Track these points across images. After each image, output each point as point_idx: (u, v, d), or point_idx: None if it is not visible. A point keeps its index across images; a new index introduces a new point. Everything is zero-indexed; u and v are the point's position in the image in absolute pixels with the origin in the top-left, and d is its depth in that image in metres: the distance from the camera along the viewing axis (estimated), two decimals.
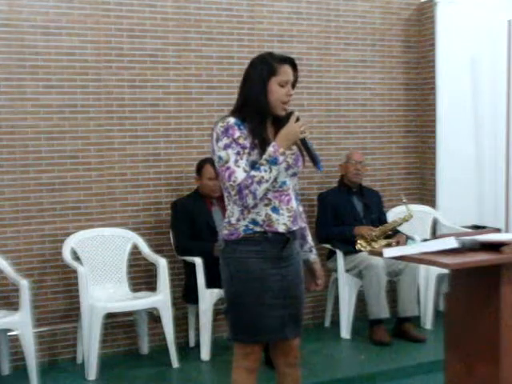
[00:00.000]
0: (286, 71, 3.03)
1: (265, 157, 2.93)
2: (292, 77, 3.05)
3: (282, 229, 3.03)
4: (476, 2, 5.79)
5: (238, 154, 2.93)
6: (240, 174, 2.91)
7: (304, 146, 3.05)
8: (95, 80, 4.91)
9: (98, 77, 4.92)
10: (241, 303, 3.04)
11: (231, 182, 2.92)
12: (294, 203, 3.09)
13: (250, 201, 2.93)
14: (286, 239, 3.05)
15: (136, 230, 5.01)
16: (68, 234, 4.81)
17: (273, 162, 2.92)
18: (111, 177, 4.98)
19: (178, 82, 5.17)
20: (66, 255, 4.70)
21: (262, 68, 3.02)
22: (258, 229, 3.00)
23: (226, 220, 3.06)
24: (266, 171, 2.91)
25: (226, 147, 2.95)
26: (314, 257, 3.30)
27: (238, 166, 2.92)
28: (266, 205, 3.00)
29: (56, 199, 4.83)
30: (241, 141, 2.95)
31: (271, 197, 3.00)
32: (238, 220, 3.02)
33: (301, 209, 3.26)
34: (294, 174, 3.11)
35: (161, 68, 5.12)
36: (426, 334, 5.26)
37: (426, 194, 6.04)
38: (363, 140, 5.86)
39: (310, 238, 3.30)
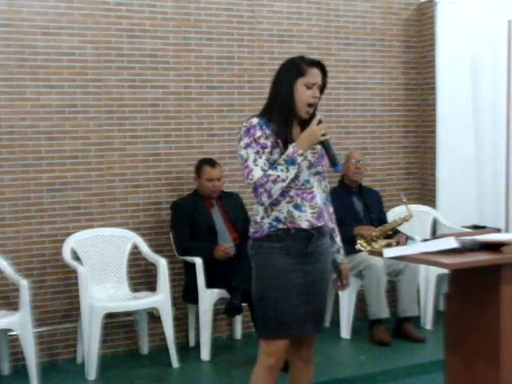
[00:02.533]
0: (313, 73, 3.08)
1: (283, 157, 2.99)
2: (320, 80, 3.10)
3: (305, 225, 3.08)
4: (476, 1, 5.79)
5: (257, 153, 3.00)
6: (257, 173, 2.99)
7: (325, 148, 3.09)
8: (95, 80, 4.91)
9: (98, 77, 4.92)
10: (265, 299, 3.09)
11: (248, 180, 3.02)
12: (318, 200, 3.13)
13: (265, 199, 3.01)
14: (310, 235, 3.09)
15: (136, 229, 5.01)
16: (68, 234, 4.81)
17: (291, 162, 2.98)
18: (111, 177, 4.98)
19: (178, 82, 5.17)
20: (66, 255, 4.70)
21: (291, 69, 3.09)
22: (281, 226, 3.07)
23: (252, 219, 3.15)
24: (282, 171, 2.98)
25: (247, 146, 3.02)
26: (341, 257, 3.36)
27: (256, 165, 2.99)
28: (288, 202, 3.06)
29: (56, 199, 4.83)
30: (261, 140, 3.02)
31: (293, 194, 3.06)
32: (262, 218, 3.09)
33: (331, 210, 3.31)
34: (318, 173, 3.15)
35: (161, 68, 5.12)
36: (426, 334, 5.26)
37: (426, 193, 6.04)
38: (363, 140, 5.86)
39: (338, 239, 3.34)
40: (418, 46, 6.02)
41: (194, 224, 4.92)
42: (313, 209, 3.10)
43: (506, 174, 5.72)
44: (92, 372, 4.51)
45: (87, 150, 4.91)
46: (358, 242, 5.05)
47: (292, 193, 3.06)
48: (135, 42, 5.03)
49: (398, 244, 4.91)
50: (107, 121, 4.96)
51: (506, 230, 5.59)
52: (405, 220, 5.02)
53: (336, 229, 3.34)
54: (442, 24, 5.73)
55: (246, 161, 3.01)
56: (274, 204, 3.05)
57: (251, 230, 3.15)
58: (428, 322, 5.45)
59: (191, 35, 5.20)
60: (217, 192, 4.99)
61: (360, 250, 5.00)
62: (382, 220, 5.41)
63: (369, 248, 4.95)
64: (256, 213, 3.12)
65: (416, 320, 5.35)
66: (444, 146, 5.80)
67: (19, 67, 4.71)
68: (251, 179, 3.00)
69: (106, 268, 4.91)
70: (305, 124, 3.11)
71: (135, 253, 4.98)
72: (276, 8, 5.48)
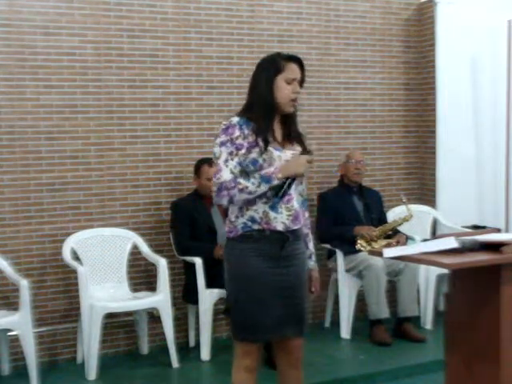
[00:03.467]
0: (292, 69, 3.06)
1: (261, 172, 2.96)
2: (299, 75, 3.08)
3: (280, 227, 3.04)
4: (476, 1, 5.79)
5: (230, 153, 2.99)
6: (225, 174, 2.97)
7: (290, 182, 3.01)
8: (95, 80, 4.91)
9: (98, 77, 4.92)
10: (239, 301, 3.06)
11: (215, 179, 2.99)
12: (294, 203, 3.09)
13: (225, 202, 3.00)
14: (284, 238, 3.05)
15: (136, 229, 5.01)
16: (68, 234, 4.81)
17: (265, 179, 2.95)
18: (111, 177, 4.98)
19: (178, 81, 5.17)
20: (66, 255, 4.70)
21: (269, 67, 3.07)
22: (255, 226, 3.02)
23: (228, 218, 3.10)
24: (253, 184, 2.95)
25: (222, 144, 3.01)
26: (312, 263, 3.29)
27: (227, 166, 2.98)
28: (265, 202, 3.02)
29: (56, 199, 4.83)
30: (238, 140, 2.99)
31: (270, 195, 3.01)
32: (237, 217, 3.05)
33: (306, 214, 3.27)
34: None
35: (161, 68, 5.12)
36: (426, 334, 5.26)
37: (426, 193, 6.04)
38: (363, 140, 5.86)
39: (311, 245, 3.30)
40: (418, 46, 6.02)
41: (194, 224, 4.92)
42: (289, 211, 3.06)
43: (506, 174, 5.72)
44: (92, 372, 4.51)
45: (87, 149, 4.91)
46: (358, 242, 5.06)
47: (269, 193, 3.00)
48: (135, 42, 5.03)
49: (397, 244, 4.93)
50: (107, 121, 4.96)
51: (506, 230, 5.60)
52: (405, 220, 5.02)
53: (310, 234, 3.29)
54: (442, 24, 5.73)
55: (218, 159, 3.00)
56: (250, 203, 3.01)
57: (226, 229, 3.12)
58: (428, 322, 5.45)
59: (191, 35, 5.20)
60: None
61: (360, 250, 5.02)
62: (382, 220, 5.41)
63: (369, 248, 4.96)
64: (231, 211, 3.07)
65: (416, 320, 5.35)
66: (444, 146, 5.80)
67: (19, 67, 4.71)
68: (218, 178, 2.98)
69: (106, 268, 4.91)
70: (288, 121, 3.09)
71: (135, 253, 4.98)
72: (276, 8, 5.48)
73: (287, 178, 2.99)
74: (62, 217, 4.85)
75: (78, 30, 4.86)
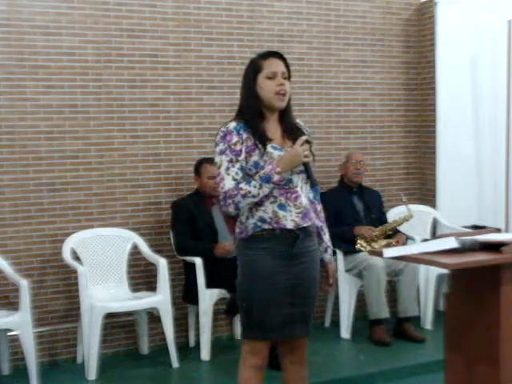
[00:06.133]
0: (270, 63, 3.07)
1: (260, 173, 2.98)
2: (281, 67, 3.08)
3: (290, 225, 3.05)
4: (476, 1, 5.79)
5: (230, 161, 3.00)
6: (228, 182, 2.99)
7: (306, 169, 3.05)
8: (95, 80, 4.91)
9: (98, 77, 4.92)
10: (249, 300, 3.07)
11: (219, 188, 3.03)
12: (303, 200, 3.10)
13: (232, 210, 3.02)
14: (295, 236, 3.07)
15: (136, 230, 5.01)
16: (68, 234, 4.81)
17: (265, 179, 2.96)
18: (111, 177, 4.98)
19: (178, 81, 5.17)
20: (66, 255, 4.70)
21: (249, 69, 3.12)
22: (266, 226, 3.04)
23: (238, 219, 3.12)
24: (255, 187, 2.96)
25: (221, 153, 3.03)
26: (328, 257, 3.31)
27: (228, 174, 3.00)
28: (272, 202, 3.04)
29: (56, 199, 4.83)
30: (237, 147, 3.00)
31: (277, 194, 3.03)
32: (247, 218, 3.07)
33: (319, 208, 3.28)
34: (302, 172, 3.08)
35: (161, 68, 5.12)
36: (426, 334, 5.26)
37: (426, 193, 6.04)
38: (363, 140, 5.86)
39: (326, 238, 3.30)
40: (418, 46, 6.02)
41: (195, 223, 4.91)
42: (298, 208, 3.07)
43: (506, 174, 5.72)
44: (92, 372, 4.51)
45: (87, 149, 4.91)
46: (358, 241, 5.08)
47: (275, 193, 3.02)
48: (135, 42, 5.03)
49: (398, 244, 4.94)
50: (107, 121, 4.96)
51: (506, 230, 5.60)
52: (405, 220, 5.03)
53: (324, 227, 3.30)
54: (442, 24, 5.73)
55: (219, 168, 3.02)
56: (259, 204, 3.02)
57: (237, 230, 3.13)
58: (428, 322, 5.45)
59: (191, 35, 5.20)
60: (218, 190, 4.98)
61: (360, 250, 5.03)
62: (382, 220, 5.41)
63: (369, 248, 4.98)
64: (241, 213, 3.08)
65: (416, 320, 5.35)
66: (444, 146, 5.80)
67: (19, 67, 4.71)
68: (222, 188, 3.01)
69: (106, 268, 4.90)
70: (283, 116, 3.10)
71: (135, 253, 4.98)
72: (276, 8, 5.48)
73: (304, 166, 3.01)
74: (62, 217, 4.85)
75: (78, 29, 4.85)
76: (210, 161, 4.98)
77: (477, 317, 3.19)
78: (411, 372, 4.60)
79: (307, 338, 3.22)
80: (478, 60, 5.85)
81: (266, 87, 3.05)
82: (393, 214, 5.53)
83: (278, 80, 3.05)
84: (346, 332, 5.27)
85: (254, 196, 2.97)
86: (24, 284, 4.33)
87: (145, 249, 4.93)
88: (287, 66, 3.12)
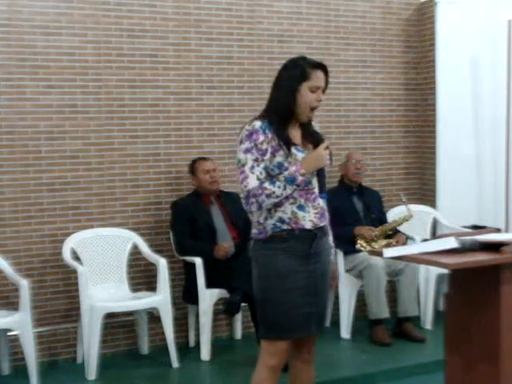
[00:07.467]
0: (318, 77, 3.07)
1: (284, 174, 3.00)
2: (323, 83, 3.09)
3: (308, 225, 3.08)
4: (476, 1, 5.79)
5: (255, 160, 3.00)
6: (252, 181, 2.99)
7: (321, 173, 3.10)
8: (95, 80, 4.91)
9: (98, 77, 4.92)
10: (268, 300, 3.08)
11: (242, 186, 3.02)
12: (320, 201, 3.14)
13: (254, 209, 3.03)
14: (313, 235, 3.09)
15: (136, 230, 5.01)
16: (68, 234, 4.81)
17: (290, 180, 2.99)
18: (111, 177, 4.98)
19: (178, 81, 5.17)
20: (66, 255, 4.70)
21: (295, 72, 3.06)
22: (285, 226, 3.06)
23: (255, 219, 3.11)
24: (279, 187, 2.99)
25: (247, 151, 3.02)
26: (332, 258, 3.33)
27: (253, 173, 3.00)
28: (292, 203, 3.06)
29: (56, 199, 4.83)
30: (263, 146, 3.01)
31: (297, 195, 3.05)
32: (266, 219, 3.08)
33: (325, 207, 3.29)
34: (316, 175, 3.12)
35: (161, 68, 5.12)
36: (426, 334, 5.26)
37: (426, 193, 6.04)
38: (363, 140, 5.86)
39: (330, 238, 3.32)
40: (418, 46, 6.02)
41: (194, 223, 4.92)
42: (315, 209, 3.11)
43: (506, 174, 5.72)
44: (92, 372, 4.51)
45: (87, 149, 4.91)
46: (358, 242, 5.08)
47: (295, 194, 3.05)
48: (135, 42, 5.03)
49: (397, 244, 4.94)
50: (107, 121, 4.96)
51: (506, 230, 5.59)
52: (405, 220, 5.03)
53: (329, 229, 3.32)
54: (442, 24, 5.73)
55: (244, 166, 3.01)
56: (278, 205, 3.04)
57: (254, 230, 3.13)
58: (428, 322, 5.45)
59: (191, 35, 5.20)
60: (216, 184, 4.99)
61: (360, 250, 5.03)
62: (382, 220, 5.41)
63: (369, 248, 4.98)
64: (259, 213, 3.08)
65: (416, 320, 5.35)
66: (444, 146, 5.80)
67: (19, 67, 4.71)
68: (245, 186, 3.01)
69: (106, 268, 4.90)
70: (305, 126, 3.12)
71: (135, 253, 4.98)
72: (276, 8, 5.48)
73: (321, 171, 3.06)
74: (62, 217, 4.85)
75: (78, 29, 4.86)
76: (202, 158, 5.02)
77: (477, 317, 3.19)
78: (411, 372, 4.59)
79: (317, 336, 3.26)
80: (477, 60, 5.85)
81: (306, 98, 3.05)
82: (393, 214, 5.53)
83: (318, 95, 3.07)
84: (345, 332, 5.27)
85: (277, 196, 2.99)
86: (24, 284, 4.33)
87: (145, 249, 4.93)
88: (327, 80, 3.12)
